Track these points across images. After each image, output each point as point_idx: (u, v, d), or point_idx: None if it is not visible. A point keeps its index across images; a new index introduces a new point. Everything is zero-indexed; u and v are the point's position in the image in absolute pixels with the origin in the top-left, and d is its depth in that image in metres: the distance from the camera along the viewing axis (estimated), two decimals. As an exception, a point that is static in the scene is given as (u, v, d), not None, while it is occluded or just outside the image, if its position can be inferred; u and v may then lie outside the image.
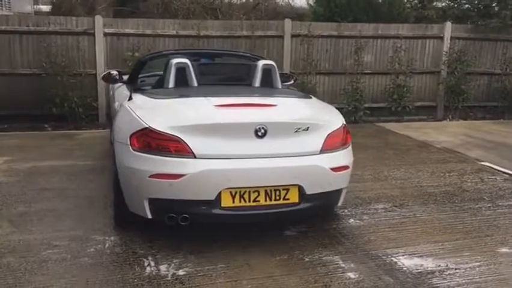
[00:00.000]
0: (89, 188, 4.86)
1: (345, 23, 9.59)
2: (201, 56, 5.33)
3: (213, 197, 3.39)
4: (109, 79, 5.08)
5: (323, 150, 3.67)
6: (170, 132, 3.41)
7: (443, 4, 11.54)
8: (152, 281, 3.20)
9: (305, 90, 8.69)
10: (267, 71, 4.51)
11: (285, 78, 5.50)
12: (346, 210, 4.53)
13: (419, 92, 9.87)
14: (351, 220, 4.34)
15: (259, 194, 3.49)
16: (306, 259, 3.58)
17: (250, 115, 3.57)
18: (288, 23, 9.02)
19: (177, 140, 3.40)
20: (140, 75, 5.13)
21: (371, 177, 5.60)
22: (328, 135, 3.71)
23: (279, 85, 4.56)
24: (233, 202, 3.45)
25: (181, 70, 4.29)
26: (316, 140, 3.65)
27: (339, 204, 3.98)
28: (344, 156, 3.81)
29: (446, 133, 8.22)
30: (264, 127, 3.48)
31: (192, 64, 4.36)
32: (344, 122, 3.95)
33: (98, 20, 8.25)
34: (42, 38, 7.99)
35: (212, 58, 5.37)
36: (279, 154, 3.54)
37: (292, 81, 5.60)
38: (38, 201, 4.52)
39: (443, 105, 9.99)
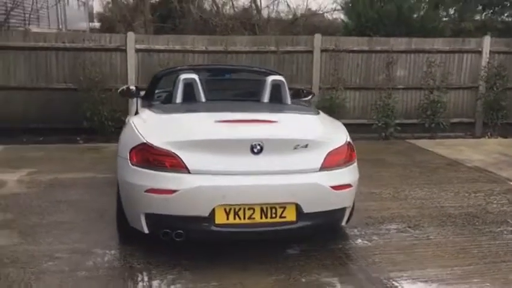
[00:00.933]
0: (103, 201, 4.93)
1: (377, 37, 9.41)
2: (216, 72, 5.36)
3: (206, 214, 3.37)
4: (126, 94, 5.19)
5: (322, 168, 3.58)
6: (165, 148, 3.43)
7: (483, 17, 11.13)
8: (142, 297, 3.20)
9: (333, 106, 8.63)
10: (276, 87, 4.47)
11: (303, 94, 5.46)
12: (356, 230, 4.39)
13: (456, 108, 9.53)
14: (359, 240, 4.20)
15: (254, 211, 3.44)
16: (303, 280, 3.48)
17: (246, 131, 3.54)
18: (317, 37, 8.96)
19: (172, 156, 3.41)
20: (157, 91, 5.20)
21: (390, 196, 5.41)
22: (329, 152, 3.62)
23: (288, 101, 4.50)
24: (227, 219, 3.41)
25: (189, 85, 4.31)
26: (316, 157, 3.57)
27: (343, 223, 3.86)
28: (346, 174, 3.70)
29: (480, 151, 7.86)
30: (260, 143, 3.44)
31: (200, 80, 4.38)
32: (349, 140, 3.84)
33: (130, 36, 8.49)
34: (77, 54, 8.28)
35: (227, 74, 5.38)
36: (275, 171, 3.48)
37: (310, 97, 5.54)
38: (52, 213, 4.64)
39: (482, 122, 9.59)
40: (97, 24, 26.15)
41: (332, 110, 8.67)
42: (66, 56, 8.34)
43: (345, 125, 8.80)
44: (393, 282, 3.46)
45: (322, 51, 8.96)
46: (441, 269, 3.68)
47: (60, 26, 20.07)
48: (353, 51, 9.10)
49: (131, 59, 8.43)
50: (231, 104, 4.38)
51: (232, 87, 4.81)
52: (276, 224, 3.49)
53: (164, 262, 3.66)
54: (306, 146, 3.55)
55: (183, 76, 4.34)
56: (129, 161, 3.56)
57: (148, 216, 3.49)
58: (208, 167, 3.40)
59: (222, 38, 8.78)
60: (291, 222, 3.51)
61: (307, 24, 15.15)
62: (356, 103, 9.30)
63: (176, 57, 8.52)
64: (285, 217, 3.49)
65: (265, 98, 4.46)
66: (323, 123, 4.10)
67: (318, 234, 4.01)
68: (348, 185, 3.69)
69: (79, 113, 8.03)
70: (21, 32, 9.13)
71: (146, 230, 3.55)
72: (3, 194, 5.11)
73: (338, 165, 3.66)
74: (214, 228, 3.41)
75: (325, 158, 3.59)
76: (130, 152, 3.58)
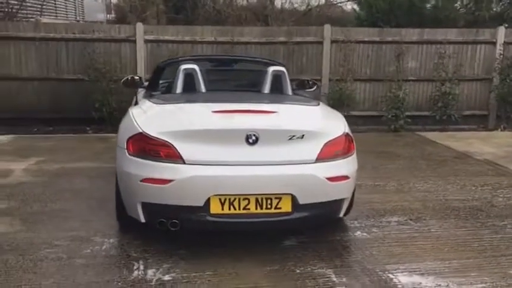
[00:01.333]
0: (107, 190, 4.93)
1: (387, 28, 9.29)
2: (218, 62, 5.35)
3: (201, 204, 3.38)
4: (129, 84, 5.20)
5: (318, 159, 3.55)
6: (161, 138, 3.44)
7: (499, 8, 10.90)
8: (135, 285, 3.22)
9: (343, 98, 8.57)
10: (277, 77, 4.45)
11: (308, 84, 5.42)
12: (356, 222, 4.37)
13: (468, 101, 9.38)
14: (358, 232, 4.17)
15: (249, 202, 3.44)
16: (297, 271, 3.47)
17: (242, 122, 3.53)
18: (327, 28, 8.88)
19: (167, 145, 3.42)
20: (161, 81, 5.21)
21: (394, 189, 5.36)
22: (326, 143, 3.59)
23: (289, 91, 4.48)
24: (222, 209, 3.42)
25: (189, 76, 4.32)
26: (312, 148, 3.55)
27: (341, 215, 3.83)
28: (343, 166, 3.67)
29: (491, 144, 7.73)
30: (256, 134, 3.43)
31: (201, 70, 4.38)
32: (347, 131, 3.80)
33: (139, 27, 8.51)
34: (87, 44, 8.34)
35: (229, 64, 5.36)
36: (270, 162, 3.47)
37: (314, 88, 5.50)
38: (55, 201, 4.70)
39: (495, 115, 9.43)
40: (114, 16, 26.31)
41: (341, 101, 8.62)
42: (76, 46, 8.40)
43: (355, 116, 8.89)
44: (389, 275, 3.43)
45: (332, 42, 8.88)
46: (439, 262, 3.64)
47: (78, 17, 20.15)
48: (364, 42, 9.01)
49: (141, 49, 8.46)
50: (230, 94, 4.37)
51: (233, 78, 4.81)
52: (271, 215, 3.48)
53: (161, 251, 3.69)
54: (302, 136, 3.53)
55: (183, 66, 4.35)
56: (126, 151, 3.58)
57: (144, 206, 3.52)
58: (203, 157, 3.41)
59: (231, 28, 8.75)
60: (287, 213, 3.50)
61: (321, 15, 15.03)
62: (366, 95, 9.22)
63: (185, 48, 8.52)
64: (280, 208, 3.48)
65: (266, 88, 4.44)
66: (321, 114, 4.06)
67: (316, 225, 4.00)
68: (345, 177, 3.66)
69: (88, 104, 8.10)
70: (32, 22, 9.21)
71: (142, 219, 3.58)
72: (10, 183, 5.19)
73: (335, 157, 3.63)
74: (209, 218, 3.41)
75: (321, 149, 3.56)
76: (127, 142, 3.60)
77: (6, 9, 9.80)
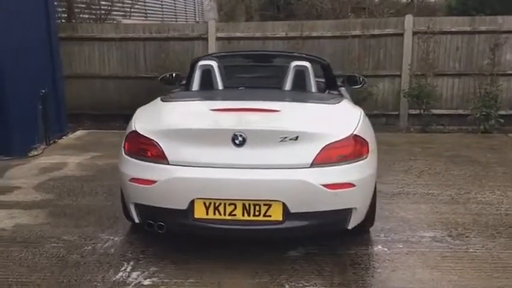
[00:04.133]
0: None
1: (481, 16, 8.28)
2: (251, 58, 5.11)
3: (184, 207, 3.20)
4: (167, 81, 5.19)
5: (315, 164, 3.18)
6: (149, 136, 3.33)
7: None
8: (113, 287, 3.15)
9: (422, 95, 7.82)
10: (300, 73, 4.11)
11: (358, 81, 4.99)
12: (382, 235, 3.89)
13: None
14: (379, 247, 3.69)
15: (235, 208, 3.18)
16: (287, 286, 3.16)
17: (228, 121, 3.28)
18: (408, 19, 8.15)
19: (154, 145, 3.30)
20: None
21: (447, 199, 4.70)
22: (325, 146, 3.20)
23: (313, 88, 4.10)
24: (207, 214, 3.21)
25: (206, 73, 4.17)
26: (308, 152, 3.18)
27: (349, 227, 3.37)
28: (346, 172, 3.23)
29: None
30: (242, 135, 3.16)
31: (219, 67, 4.20)
32: (356, 133, 3.34)
33: (211, 25, 8.55)
34: (162, 44, 8.57)
35: (262, 60, 5.09)
36: (259, 165, 3.18)
37: (359, 86, 5.04)
38: (86, 196, 4.84)
39: None
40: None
41: (420, 99, 7.88)
42: (152, 46, 8.67)
43: (438, 115, 8.07)
44: (388, 301, 2.97)
45: (414, 33, 8.13)
46: (458, 288, 3.08)
47: (197, 18, 20.79)
48: (451, 33, 8.12)
49: (212, 47, 8.48)
50: (244, 91, 4.14)
51: (255, 75, 4.54)
52: (260, 222, 3.19)
53: (158, 253, 3.59)
54: (296, 138, 3.18)
55: (200, 63, 4.21)
56: (123, 149, 3.53)
57: (136, 206, 3.43)
58: (187, 158, 3.23)
59: (302, 23, 8.41)
60: (277, 222, 3.18)
61: (423, 5, 13.96)
62: (455, 91, 8.32)
63: (256, 44, 8.37)
64: (270, 216, 3.18)
65: (287, 85, 4.12)
66: (329, 114, 3.63)
67: (316, 236, 3.62)
68: (349, 184, 3.22)
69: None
70: (113, 24, 9.71)
71: (136, 220, 3.50)
72: (57, 176, 5.46)
73: (338, 161, 3.23)
74: (192, 222, 3.23)
75: (319, 153, 3.18)
76: (124, 140, 3.55)
77: (98, 12, 10.44)
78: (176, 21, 16.06)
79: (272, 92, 4.10)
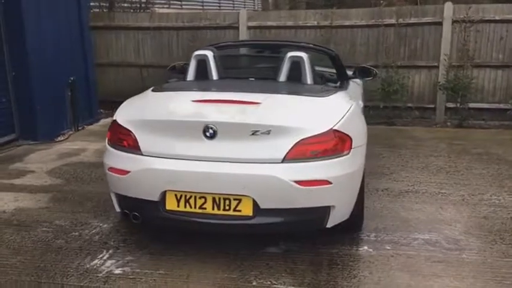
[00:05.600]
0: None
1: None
2: (261, 48, 4.99)
3: (156, 198, 3.19)
4: (176, 71, 5.19)
5: (287, 159, 3.06)
6: (126, 126, 3.34)
7: None
8: (83, 274, 3.20)
9: (457, 88, 7.41)
10: (296, 64, 3.96)
11: (363, 73, 4.81)
12: (372, 235, 3.71)
13: None
14: (364, 247, 3.52)
15: (206, 201, 3.13)
16: (254, 283, 3.08)
17: (199, 113, 3.21)
18: (448, 6, 7.68)
19: (129, 135, 3.30)
20: None
21: (458, 199, 4.41)
22: (299, 141, 3.07)
23: (308, 80, 3.94)
24: (178, 206, 3.18)
25: (201, 62, 4.12)
26: (280, 146, 3.06)
27: (327, 225, 3.22)
28: (323, 168, 3.08)
29: None
30: (213, 127, 3.09)
31: (214, 56, 4.14)
32: (337, 128, 3.16)
33: (243, 14, 8.47)
34: (194, 32, 8.61)
35: (272, 50, 4.95)
36: (228, 159, 3.10)
37: (371, 78, 4.83)
38: (92, 182, 4.95)
39: None
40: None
41: (456, 92, 7.46)
42: (184, 34, 8.73)
43: (478, 109, 7.66)
44: (354, 305, 2.82)
45: (454, 22, 7.67)
46: (435, 299, 2.87)
47: (256, 7, 20.64)
48: (495, 21, 7.59)
49: (243, 35, 8.42)
50: (239, 82, 4.04)
51: (252, 65, 4.43)
52: (230, 217, 3.12)
53: (138, 243, 3.61)
54: (269, 132, 3.06)
55: (196, 53, 4.17)
56: (106, 139, 3.57)
57: (116, 196, 3.46)
58: (159, 149, 3.20)
59: (336, 11, 8.14)
60: (247, 217, 3.10)
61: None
62: (498, 84, 7.80)
63: (287, 33, 8.23)
64: (240, 211, 3.10)
65: (282, 76, 3.99)
66: (313, 107, 3.45)
67: (290, 233, 3.51)
68: (324, 181, 3.07)
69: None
70: (148, 13, 9.84)
71: (118, 209, 3.52)
72: (72, 162, 5.63)
73: (312, 157, 3.08)
74: (165, 214, 3.21)
75: (292, 148, 3.05)
76: (108, 129, 3.59)
77: (138, 1, 10.63)
78: (220, 9, 16.00)
79: (263, 84, 3.99)
